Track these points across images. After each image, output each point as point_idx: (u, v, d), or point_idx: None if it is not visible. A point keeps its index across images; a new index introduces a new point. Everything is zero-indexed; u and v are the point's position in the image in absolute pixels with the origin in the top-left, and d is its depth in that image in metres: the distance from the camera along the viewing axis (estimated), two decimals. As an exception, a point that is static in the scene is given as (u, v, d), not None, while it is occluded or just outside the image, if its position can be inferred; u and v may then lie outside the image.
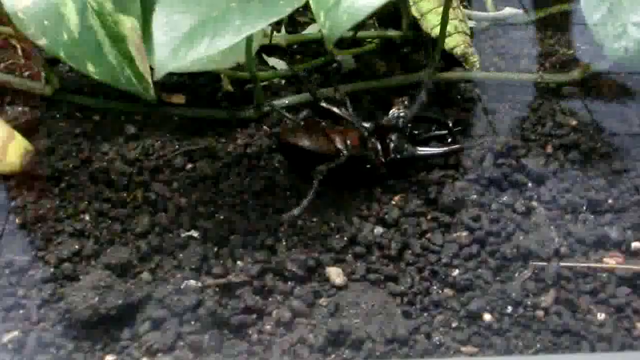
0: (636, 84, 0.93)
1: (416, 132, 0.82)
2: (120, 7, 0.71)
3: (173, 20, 0.64)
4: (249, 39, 0.73)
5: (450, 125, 0.83)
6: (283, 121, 0.84)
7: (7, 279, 0.67)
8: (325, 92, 0.87)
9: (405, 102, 0.82)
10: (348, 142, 0.76)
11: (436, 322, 0.65)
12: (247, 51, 0.74)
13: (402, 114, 0.80)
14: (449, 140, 0.83)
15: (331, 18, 0.68)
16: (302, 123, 0.80)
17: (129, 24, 0.71)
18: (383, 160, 0.79)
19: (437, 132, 0.84)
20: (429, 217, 0.74)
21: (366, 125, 0.80)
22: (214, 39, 0.62)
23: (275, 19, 0.65)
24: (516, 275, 0.69)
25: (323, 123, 0.79)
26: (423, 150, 0.80)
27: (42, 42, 0.69)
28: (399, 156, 0.79)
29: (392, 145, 0.79)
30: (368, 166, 0.78)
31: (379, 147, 0.79)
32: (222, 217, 0.73)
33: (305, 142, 0.76)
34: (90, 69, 0.70)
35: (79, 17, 0.70)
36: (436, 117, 0.84)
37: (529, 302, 0.66)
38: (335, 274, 0.68)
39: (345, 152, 0.75)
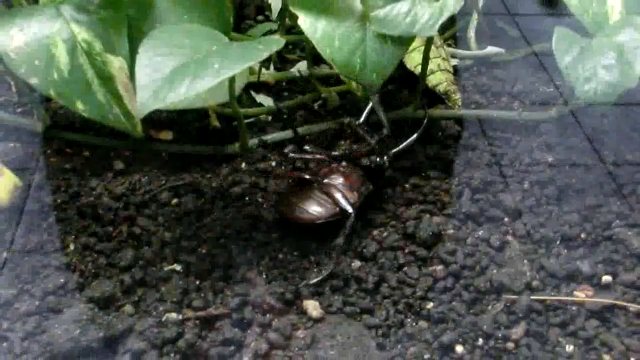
0: (610, 122, 0.95)
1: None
2: (109, 48, 0.74)
3: (155, 62, 0.66)
4: (231, 79, 0.75)
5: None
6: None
7: (-7, 312, 0.69)
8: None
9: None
10: (352, 191, 0.79)
11: (409, 354, 0.67)
12: (230, 91, 0.76)
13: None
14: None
15: (363, 81, 0.77)
16: (292, 182, 0.83)
17: (117, 64, 0.74)
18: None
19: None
20: (406, 250, 0.76)
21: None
22: (193, 81, 0.64)
23: (252, 63, 0.68)
24: (489, 308, 0.71)
25: (311, 177, 0.82)
26: (402, 144, 0.86)
27: (33, 80, 0.71)
28: (386, 158, 0.84)
29: (376, 154, 0.84)
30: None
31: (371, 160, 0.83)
32: (204, 251, 0.75)
33: (309, 215, 0.77)
34: (80, 106, 0.73)
35: (69, 57, 0.72)
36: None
37: (500, 334, 0.68)
38: (312, 307, 0.70)
39: (355, 203, 0.78)
